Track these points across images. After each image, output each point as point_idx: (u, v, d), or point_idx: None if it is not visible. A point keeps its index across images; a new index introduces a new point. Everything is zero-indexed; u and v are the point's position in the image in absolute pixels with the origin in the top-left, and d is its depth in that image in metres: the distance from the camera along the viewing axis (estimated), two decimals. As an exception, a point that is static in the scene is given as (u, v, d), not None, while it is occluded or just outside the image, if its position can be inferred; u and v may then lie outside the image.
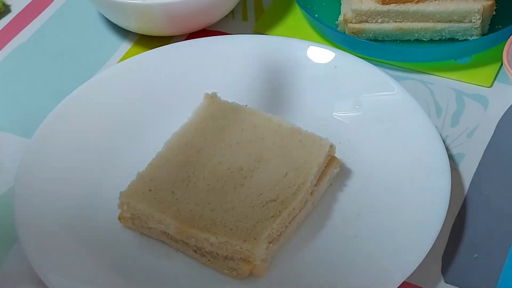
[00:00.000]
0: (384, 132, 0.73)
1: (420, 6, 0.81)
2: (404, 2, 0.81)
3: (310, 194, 0.68)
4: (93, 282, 0.64)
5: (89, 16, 0.91)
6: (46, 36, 0.90)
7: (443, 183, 0.67)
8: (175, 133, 0.73)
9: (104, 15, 0.89)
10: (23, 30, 0.91)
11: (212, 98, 0.75)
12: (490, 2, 0.81)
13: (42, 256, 0.65)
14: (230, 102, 0.75)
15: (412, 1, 0.81)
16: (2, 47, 0.88)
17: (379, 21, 0.83)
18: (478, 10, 0.80)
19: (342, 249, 0.66)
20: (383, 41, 0.84)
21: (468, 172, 0.72)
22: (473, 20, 0.81)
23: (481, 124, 0.76)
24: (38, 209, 0.68)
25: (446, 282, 0.65)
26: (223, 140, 0.72)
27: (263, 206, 0.66)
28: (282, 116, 0.73)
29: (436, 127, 0.73)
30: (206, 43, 0.82)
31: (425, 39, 0.83)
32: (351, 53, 0.80)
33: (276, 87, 0.79)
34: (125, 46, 0.87)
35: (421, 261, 0.63)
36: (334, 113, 0.76)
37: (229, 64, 0.80)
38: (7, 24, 0.91)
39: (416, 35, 0.83)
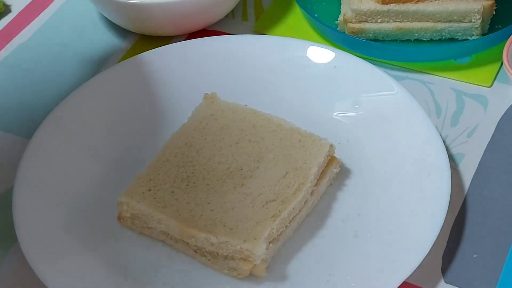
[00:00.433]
0: (384, 132, 0.73)
1: (420, 6, 0.81)
2: (404, 2, 0.81)
3: (310, 194, 0.68)
4: (92, 282, 0.64)
5: (89, 16, 0.91)
6: (46, 36, 0.90)
7: (443, 183, 0.67)
8: (175, 133, 0.73)
9: (104, 15, 0.89)
10: (23, 30, 0.90)
11: (212, 98, 0.75)
12: (490, 2, 0.81)
13: (41, 256, 0.65)
14: (230, 102, 0.75)
15: (412, 1, 0.81)
16: (2, 47, 0.88)
17: (379, 21, 0.83)
18: (478, 10, 0.80)
19: (342, 249, 0.66)
20: (383, 41, 0.84)
21: (468, 172, 0.72)
22: (473, 20, 0.81)
23: (481, 124, 0.76)
24: (37, 209, 0.68)
25: (446, 282, 0.65)
26: (223, 140, 0.72)
27: (263, 206, 0.66)
28: (282, 116, 0.73)
29: (436, 127, 0.73)
30: (206, 43, 0.82)
31: (425, 39, 0.83)
32: (351, 53, 0.80)
33: (276, 87, 0.79)
34: (125, 46, 0.87)
35: (421, 261, 0.63)
36: (334, 113, 0.76)
37: (229, 64, 0.80)
38: (7, 24, 0.91)
39: (416, 35, 0.83)
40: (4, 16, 0.92)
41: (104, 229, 0.69)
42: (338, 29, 0.85)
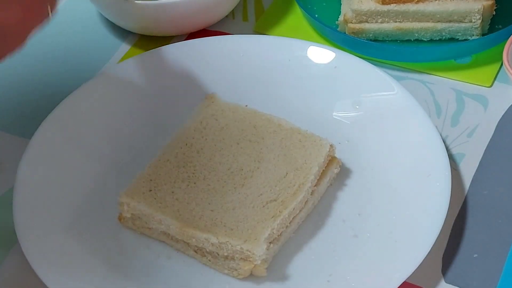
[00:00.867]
0: (384, 132, 0.73)
1: (420, 6, 0.81)
2: (404, 2, 0.81)
3: (310, 194, 0.68)
4: (92, 282, 0.64)
5: (89, 16, 0.91)
6: (47, 36, 0.90)
7: (443, 183, 0.67)
8: (175, 134, 0.73)
9: (104, 15, 0.89)
10: (23, 30, 0.90)
11: (212, 98, 0.75)
12: (490, 2, 0.81)
13: (41, 256, 0.65)
14: (230, 102, 0.75)
15: (412, 1, 0.81)
16: (2, 47, 0.88)
17: (379, 21, 0.82)
18: (478, 10, 0.80)
19: (342, 249, 0.66)
20: (383, 41, 0.84)
21: (468, 172, 0.72)
22: (473, 20, 0.81)
23: (481, 124, 0.76)
24: (38, 209, 0.68)
25: (446, 282, 0.65)
26: (223, 140, 0.72)
27: (264, 206, 0.66)
28: (282, 116, 0.73)
29: (436, 127, 0.73)
30: (206, 43, 0.82)
31: (425, 39, 0.83)
32: (351, 53, 0.80)
33: (276, 87, 0.79)
34: (125, 46, 0.87)
35: (421, 261, 0.63)
36: (334, 113, 0.76)
37: (229, 64, 0.80)
38: (7, 24, 0.91)
39: (416, 35, 0.83)
40: (4, 16, 0.92)
41: (105, 229, 0.69)
42: (338, 29, 0.85)
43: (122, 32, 0.89)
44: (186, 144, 0.72)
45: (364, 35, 0.83)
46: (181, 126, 0.74)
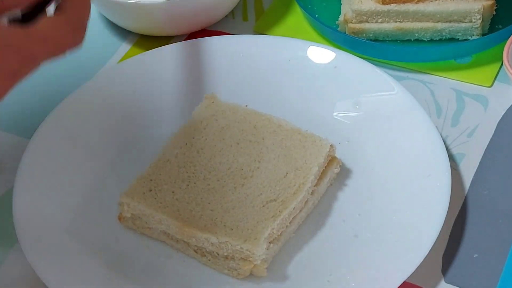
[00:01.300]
0: (384, 132, 0.73)
1: (420, 6, 0.81)
2: (404, 2, 0.81)
3: (311, 194, 0.68)
4: (93, 282, 0.64)
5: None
6: (46, 36, 0.90)
7: (443, 183, 0.67)
8: (175, 134, 0.73)
9: (104, 15, 0.89)
10: (23, 30, 0.90)
11: (212, 98, 0.75)
12: (490, 2, 0.81)
13: (41, 256, 0.65)
14: (230, 102, 0.75)
15: (412, 1, 0.81)
16: (2, 47, 0.88)
17: (379, 21, 0.82)
18: (478, 10, 0.80)
19: (342, 249, 0.66)
20: (383, 41, 0.84)
21: (468, 172, 0.72)
22: (473, 20, 0.81)
23: (481, 124, 0.76)
24: (38, 209, 0.68)
25: (446, 282, 0.65)
26: (223, 140, 0.72)
27: (263, 206, 0.66)
28: (282, 116, 0.73)
29: (436, 127, 0.73)
30: (206, 43, 0.82)
31: (425, 39, 0.83)
32: (351, 53, 0.80)
33: (276, 87, 0.79)
34: (125, 46, 0.87)
35: (421, 261, 0.63)
36: (334, 113, 0.76)
37: (229, 64, 0.80)
38: (7, 24, 0.91)
39: (416, 35, 0.83)
40: (4, 16, 0.92)
41: (105, 229, 0.69)
42: (338, 29, 0.85)
43: (122, 32, 0.89)
44: (186, 144, 0.72)
45: (364, 35, 0.83)
46: (181, 126, 0.73)
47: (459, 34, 0.82)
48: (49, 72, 0.85)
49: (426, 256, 0.63)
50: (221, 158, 0.70)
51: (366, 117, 0.75)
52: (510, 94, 0.79)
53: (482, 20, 0.81)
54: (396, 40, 0.84)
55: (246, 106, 0.75)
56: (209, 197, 0.67)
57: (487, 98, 0.79)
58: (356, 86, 0.77)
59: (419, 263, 0.62)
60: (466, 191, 0.71)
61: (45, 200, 0.69)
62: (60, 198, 0.70)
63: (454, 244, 0.67)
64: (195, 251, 0.66)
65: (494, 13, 0.83)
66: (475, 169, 0.73)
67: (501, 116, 0.77)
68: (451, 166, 0.69)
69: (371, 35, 0.83)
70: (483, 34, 0.82)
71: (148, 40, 0.87)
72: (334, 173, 0.71)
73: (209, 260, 0.65)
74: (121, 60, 0.86)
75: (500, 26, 0.83)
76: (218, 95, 0.75)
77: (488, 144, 0.74)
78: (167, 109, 0.78)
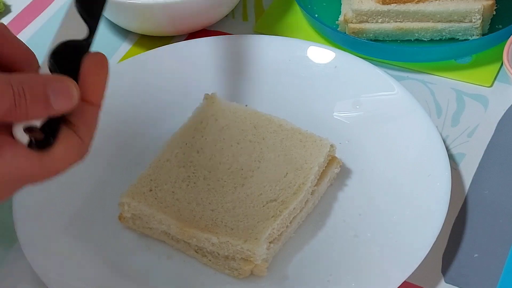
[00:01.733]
0: (384, 132, 0.73)
1: (420, 6, 0.81)
2: (404, 2, 0.81)
3: (311, 194, 0.68)
4: (93, 282, 0.64)
5: (89, 16, 0.91)
6: (46, 36, 0.90)
7: (443, 183, 0.67)
8: (175, 133, 0.73)
9: (104, 15, 0.89)
10: (23, 30, 0.90)
11: (212, 98, 0.75)
12: (490, 2, 0.81)
13: (41, 256, 0.65)
14: (230, 102, 0.75)
15: (412, 1, 0.81)
16: (2, 47, 0.88)
17: (379, 21, 0.83)
18: (478, 10, 0.80)
19: (342, 249, 0.66)
20: (383, 41, 0.84)
21: (468, 172, 0.72)
22: (473, 20, 0.81)
23: (481, 124, 0.76)
24: (37, 209, 0.68)
25: (446, 282, 0.65)
26: (223, 140, 0.72)
27: (264, 206, 0.66)
28: (282, 116, 0.73)
29: (437, 127, 0.73)
30: (206, 43, 0.82)
31: (425, 39, 0.83)
32: (351, 53, 0.80)
33: (276, 87, 0.79)
34: (125, 46, 0.87)
35: (421, 261, 0.63)
36: (334, 113, 0.76)
37: (229, 64, 0.80)
38: (7, 24, 0.91)
39: (416, 35, 0.83)
40: (4, 16, 0.92)
41: (105, 229, 0.69)
42: (338, 29, 0.85)
43: (122, 32, 0.89)
44: (186, 144, 0.72)
45: (364, 35, 0.83)
46: (181, 126, 0.73)
47: (459, 34, 0.82)
48: (49, 72, 0.85)
49: (426, 256, 0.63)
50: (221, 158, 0.70)
51: (366, 117, 0.75)
52: (510, 94, 0.79)
53: (482, 20, 0.81)
54: (396, 40, 0.84)
55: (246, 106, 0.75)
56: (210, 197, 0.67)
57: (487, 98, 0.79)
58: (356, 86, 0.77)
59: (419, 263, 0.62)
60: (466, 191, 0.71)
61: (45, 200, 0.69)
62: (60, 198, 0.70)
63: (454, 244, 0.67)
64: (195, 251, 0.66)
65: (494, 13, 0.83)
66: (475, 169, 0.73)
67: (501, 116, 0.77)
68: (451, 166, 0.69)
69: (371, 35, 0.83)
70: (483, 34, 0.82)
71: (148, 40, 0.87)
72: (334, 173, 0.71)
73: (210, 260, 0.65)
74: (121, 60, 0.86)
75: (500, 26, 0.83)
76: (218, 95, 0.75)
77: (488, 144, 0.74)
78: (167, 109, 0.78)
